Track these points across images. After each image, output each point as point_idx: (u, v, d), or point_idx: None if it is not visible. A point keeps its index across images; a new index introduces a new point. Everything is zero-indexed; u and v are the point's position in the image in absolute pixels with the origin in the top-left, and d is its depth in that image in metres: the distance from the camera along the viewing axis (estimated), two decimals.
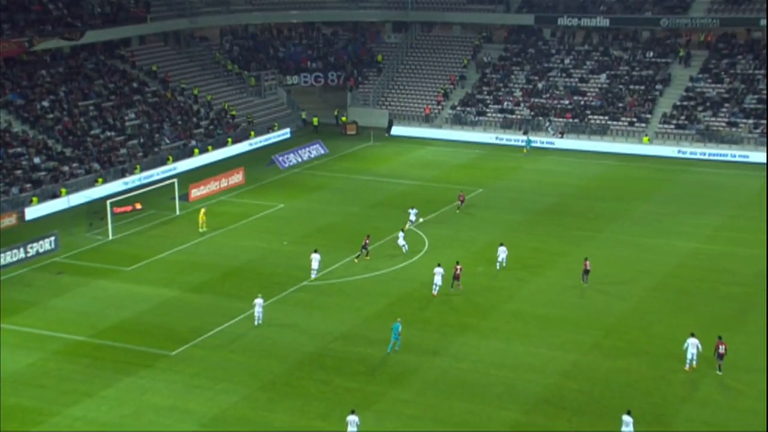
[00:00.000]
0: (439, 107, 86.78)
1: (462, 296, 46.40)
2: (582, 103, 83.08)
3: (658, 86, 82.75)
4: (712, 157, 74.84)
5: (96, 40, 79.13)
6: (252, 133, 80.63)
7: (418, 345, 40.96)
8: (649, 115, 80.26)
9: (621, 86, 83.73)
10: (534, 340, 41.57)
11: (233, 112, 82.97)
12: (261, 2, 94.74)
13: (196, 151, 74.41)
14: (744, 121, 76.88)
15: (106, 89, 77.25)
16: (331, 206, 62.56)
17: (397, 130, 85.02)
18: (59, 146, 68.55)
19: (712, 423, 34.91)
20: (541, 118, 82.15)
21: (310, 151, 76.53)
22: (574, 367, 38.97)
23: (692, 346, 38.44)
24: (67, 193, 63.29)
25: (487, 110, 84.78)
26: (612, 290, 47.29)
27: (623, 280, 48.64)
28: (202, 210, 58.16)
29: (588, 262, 48.22)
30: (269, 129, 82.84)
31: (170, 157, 71.84)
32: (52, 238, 53.51)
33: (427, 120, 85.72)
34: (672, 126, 78.59)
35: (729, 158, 74.38)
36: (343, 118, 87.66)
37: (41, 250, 52.59)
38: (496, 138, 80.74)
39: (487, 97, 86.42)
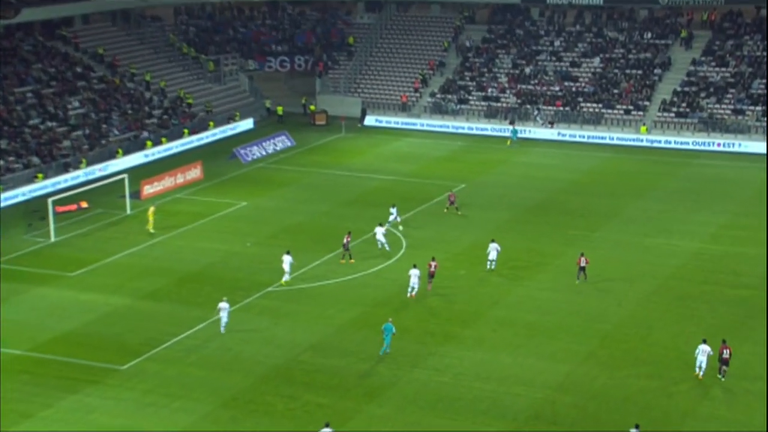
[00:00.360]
0: (417, 95, 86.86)
1: (444, 302, 46.48)
2: (573, 89, 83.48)
3: (657, 70, 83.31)
4: (716, 148, 75.42)
5: (34, 18, 78.42)
6: (211, 123, 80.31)
7: (395, 356, 40.96)
8: (647, 103, 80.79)
9: (616, 71, 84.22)
10: (523, 350, 41.68)
11: (190, 101, 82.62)
12: None
13: (149, 143, 74.02)
14: (751, 108, 77.52)
15: (45, 74, 76.64)
16: (299, 204, 62.44)
17: (370, 120, 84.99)
18: None
19: None
20: (528, 106, 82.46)
21: (275, 144, 76.37)
22: (567, 380, 39.13)
23: (702, 353, 38.78)
24: (3, 190, 62.77)
25: (470, 98, 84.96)
26: (608, 295, 47.52)
27: (620, 284, 48.88)
28: (151, 208, 57.95)
29: (583, 258, 48.54)
30: (230, 119, 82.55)
31: (120, 151, 71.42)
32: None
33: (404, 109, 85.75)
34: (672, 114, 79.16)
35: (735, 149, 75.02)
36: (312, 107, 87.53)
37: None
38: (480, 129, 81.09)
39: (469, 83, 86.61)
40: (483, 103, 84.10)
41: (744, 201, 62.67)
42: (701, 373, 38.83)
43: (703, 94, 79.81)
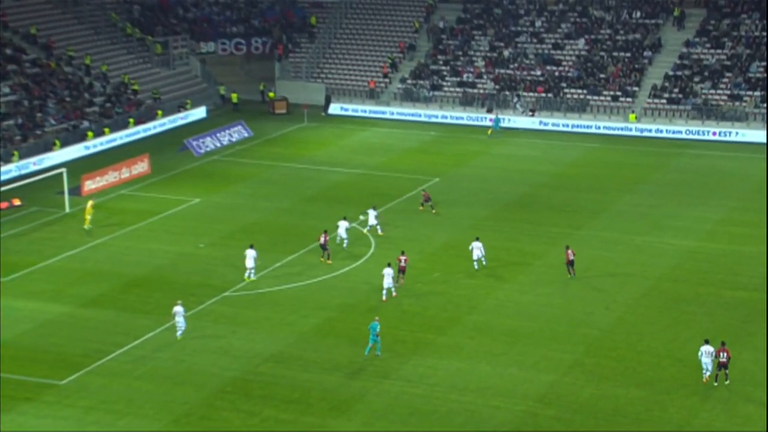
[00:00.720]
0: (386, 80, 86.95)
1: (416, 307, 46.53)
2: (556, 74, 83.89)
3: (647, 53, 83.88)
4: (711, 138, 76.02)
5: None
6: (159, 112, 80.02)
7: (363, 366, 41.00)
8: (636, 88, 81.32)
9: (602, 54, 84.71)
10: (502, 359, 41.82)
11: (135, 87, 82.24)
12: None
13: (90, 134, 73.64)
14: (749, 93, 78.18)
15: None
16: (257, 201, 62.39)
17: (335, 109, 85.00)
18: None
19: None
20: (507, 92, 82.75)
21: (230, 134, 76.26)
22: (551, 391, 39.30)
23: (706, 354, 39.15)
24: None
25: (444, 84, 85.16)
26: (595, 298, 47.77)
27: (608, 286, 49.17)
28: (90, 202, 57.66)
29: (571, 251, 48.92)
30: (180, 107, 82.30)
31: (57, 142, 71.00)
32: None
33: (372, 96, 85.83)
34: (663, 101, 79.72)
35: (732, 138, 75.69)
36: (270, 94, 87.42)
37: None
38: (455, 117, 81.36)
39: (443, 67, 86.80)
40: (458, 90, 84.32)
41: (742, 195, 63.20)
42: (707, 375, 39.14)
43: (696, 79, 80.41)
